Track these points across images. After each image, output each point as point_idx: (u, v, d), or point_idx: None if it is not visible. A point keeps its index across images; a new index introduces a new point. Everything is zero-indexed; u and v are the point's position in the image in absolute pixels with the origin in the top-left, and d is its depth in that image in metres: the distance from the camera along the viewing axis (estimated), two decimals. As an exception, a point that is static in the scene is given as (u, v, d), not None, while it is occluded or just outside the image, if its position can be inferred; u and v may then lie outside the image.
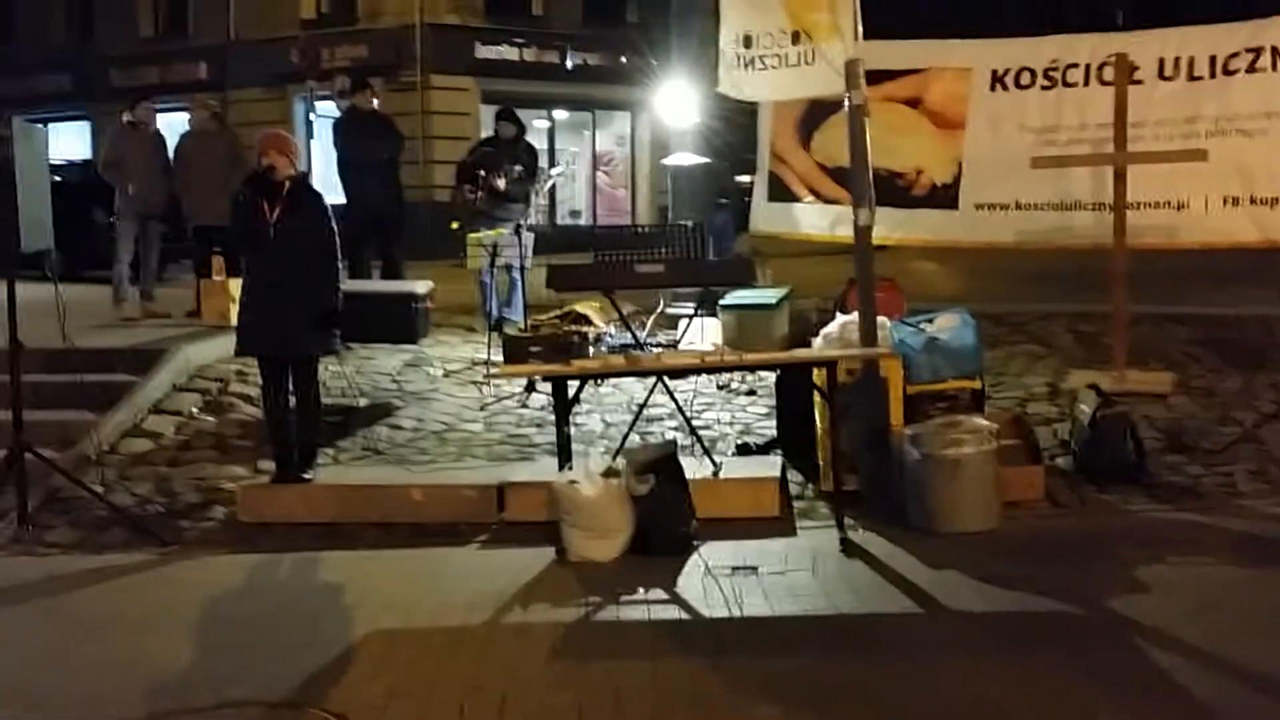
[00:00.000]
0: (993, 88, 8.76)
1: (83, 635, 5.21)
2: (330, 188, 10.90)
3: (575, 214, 25.55)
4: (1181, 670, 4.36)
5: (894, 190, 8.74)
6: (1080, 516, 6.35)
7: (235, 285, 8.16)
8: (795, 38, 6.86)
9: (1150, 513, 6.34)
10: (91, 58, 26.45)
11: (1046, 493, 6.54)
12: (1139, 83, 8.09)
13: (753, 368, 7.51)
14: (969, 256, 11.98)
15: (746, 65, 7.16)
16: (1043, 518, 6.33)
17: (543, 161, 13.05)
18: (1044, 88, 8.58)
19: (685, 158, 10.99)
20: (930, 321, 7.11)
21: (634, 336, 8.01)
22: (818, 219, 9.48)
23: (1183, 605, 4.99)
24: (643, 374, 6.94)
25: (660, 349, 8.03)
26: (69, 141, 25.64)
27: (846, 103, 6.63)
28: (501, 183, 10.20)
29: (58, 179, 17.14)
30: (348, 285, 7.54)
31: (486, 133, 12.90)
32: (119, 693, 4.54)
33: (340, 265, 6.91)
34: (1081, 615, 5.01)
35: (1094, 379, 7.54)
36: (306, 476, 6.84)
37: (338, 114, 11.97)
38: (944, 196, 8.94)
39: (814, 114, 9.22)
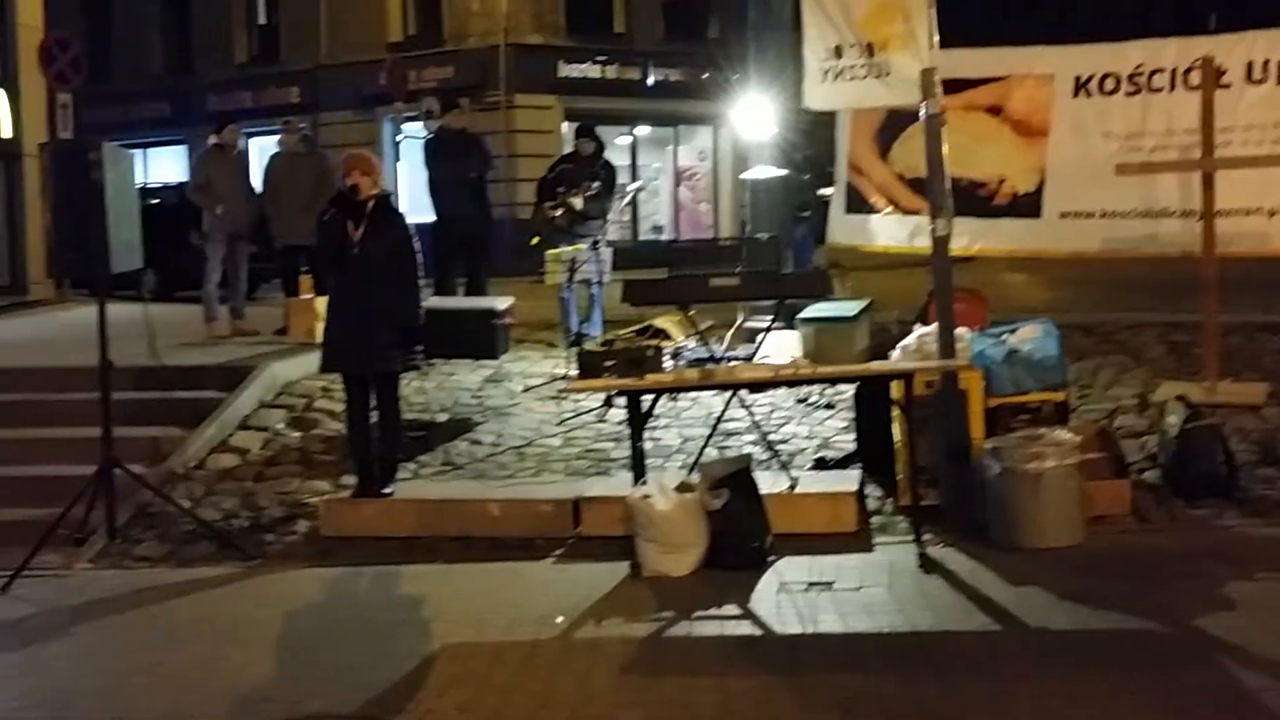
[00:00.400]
0: (1076, 94, 8.58)
1: (168, 647, 5.36)
2: (420, 208, 11.10)
3: (658, 229, 25.57)
4: (1271, 692, 4.22)
5: (975, 200, 8.59)
6: (1168, 532, 6.20)
7: (322, 303, 8.29)
8: (871, 49, 6.80)
9: (1241, 528, 6.16)
10: (188, 84, 27.26)
11: (1134, 507, 6.38)
12: (1226, 87, 7.88)
13: (827, 380, 7.43)
14: (1058, 266, 11.78)
15: (835, 77, 7.10)
16: (1129, 533, 6.18)
17: (622, 178, 13.09)
18: (1129, 93, 8.38)
19: (763, 171, 10.92)
20: (1011, 332, 6.98)
21: (709, 350, 7.99)
22: (896, 230, 9.36)
23: (1273, 625, 4.84)
24: (716, 388, 6.91)
25: (736, 363, 8.00)
26: (167, 165, 26.45)
27: (922, 112, 6.56)
28: (579, 201, 10.25)
29: (155, 201, 17.64)
30: (430, 302, 7.61)
31: (568, 150, 13.00)
32: (201, 704, 4.66)
33: (422, 282, 7.00)
34: (1167, 634, 4.88)
35: (1184, 390, 7.35)
36: (387, 491, 6.93)
37: (425, 135, 12.13)
38: (1026, 205, 8.77)
39: (892, 124, 9.11)
